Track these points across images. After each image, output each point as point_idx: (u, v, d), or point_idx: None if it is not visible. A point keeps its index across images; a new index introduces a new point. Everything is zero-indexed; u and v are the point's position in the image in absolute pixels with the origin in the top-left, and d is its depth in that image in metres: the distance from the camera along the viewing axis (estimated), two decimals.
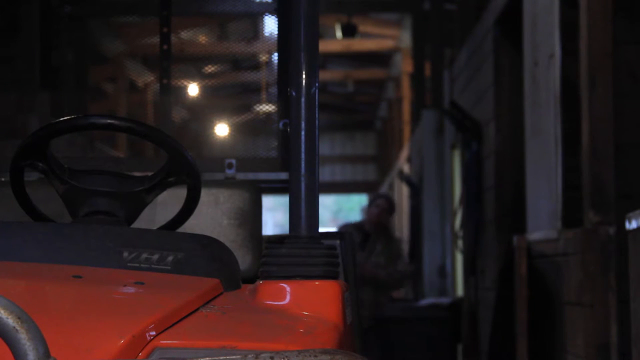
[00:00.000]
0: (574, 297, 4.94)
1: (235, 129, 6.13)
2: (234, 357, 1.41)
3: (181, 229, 2.50)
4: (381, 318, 8.29)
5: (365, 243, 8.20)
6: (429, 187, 11.81)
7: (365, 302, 7.88)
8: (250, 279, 2.30)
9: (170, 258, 2.10)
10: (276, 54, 3.98)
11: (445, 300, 9.82)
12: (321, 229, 2.09)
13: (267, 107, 4.72)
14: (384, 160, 21.75)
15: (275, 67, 3.98)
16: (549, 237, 5.52)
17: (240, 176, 3.59)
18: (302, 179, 1.98)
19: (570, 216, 5.24)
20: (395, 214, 11.69)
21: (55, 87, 4.43)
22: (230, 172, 3.59)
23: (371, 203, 8.62)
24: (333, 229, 7.31)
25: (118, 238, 2.14)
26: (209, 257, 2.13)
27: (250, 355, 1.40)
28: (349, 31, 14.13)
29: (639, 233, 3.73)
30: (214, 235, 2.70)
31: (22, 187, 2.45)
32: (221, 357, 1.43)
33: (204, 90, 7.18)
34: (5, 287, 1.85)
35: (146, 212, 2.45)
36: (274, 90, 4.13)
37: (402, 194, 15.20)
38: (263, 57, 5.42)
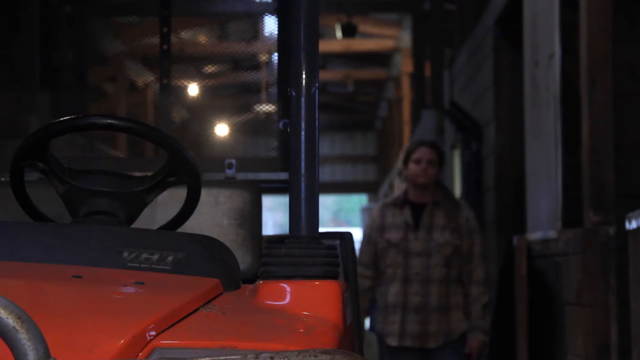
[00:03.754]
0: (574, 297, 4.94)
1: (235, 129, 6.12)
2: (234, 357, 1.41)
3: (181, 229, 2.50)
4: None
5: (417, 220, 5.53)
6: None
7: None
8: (250, 279, 2.31)
9: (170, 258, 2.10)
10: (276, 54, 3.98)
11: None
12: (321, 229, 2.09)
13: (267, 107, 4.72)
14: (384, 160, 21.75)
15: (275, 67, 3.98)
16: (549, 237, 5.52)
17: (240, 176, 3.60)
18: (302, 179, 1.98)
19: (570, 216, 5.24)
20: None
21: (55, 87, 4.43)
22: (230, 172, 3.59)
23: (407, 159, 5.59)
24: (333, 229, 6.48)
25: (118, 238, 2.14)
26: (209, 257, 2.13)
27: (250, 355, 1.40)
28: (349, 31, 14.13)
29: (639, 233, 3.74)
30: (214, 235, 2.70)
31: (22, 187, 2.44)
32: (221, 357, 1.43)
33: (204, 90, 7.18)
34: (5, 287, 1.85)
35: (146, 212, 2.45)
36: (274, 90, 4.13)
37: None
38: (263, 57, 5.41)
